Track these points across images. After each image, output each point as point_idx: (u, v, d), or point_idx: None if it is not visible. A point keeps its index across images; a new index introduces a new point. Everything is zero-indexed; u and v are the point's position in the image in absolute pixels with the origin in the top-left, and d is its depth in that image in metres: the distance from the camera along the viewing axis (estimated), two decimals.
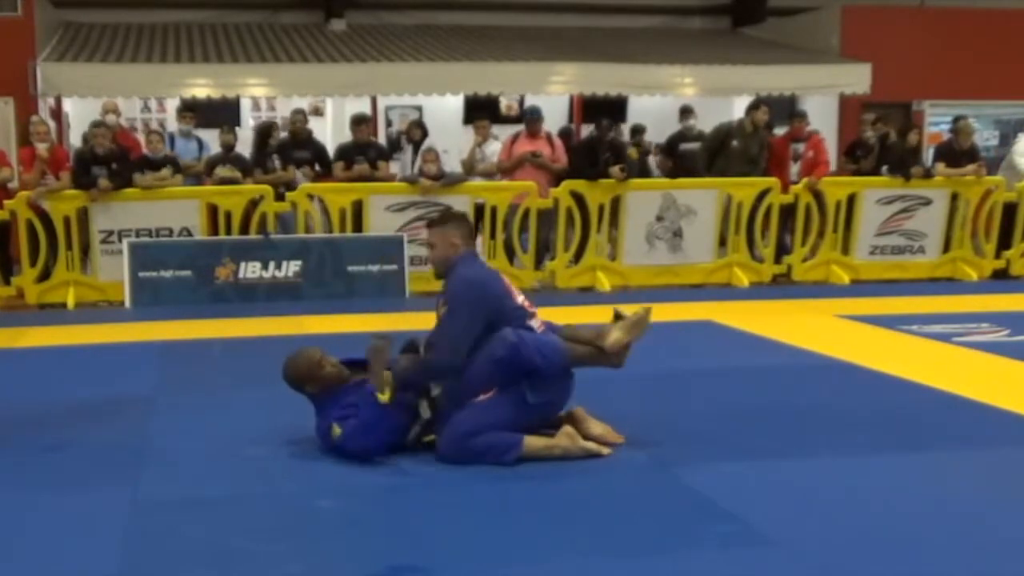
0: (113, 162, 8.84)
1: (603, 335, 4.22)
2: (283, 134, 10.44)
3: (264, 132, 10.14)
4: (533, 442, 4.11)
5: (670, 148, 10.89)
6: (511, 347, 4.05)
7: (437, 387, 4.24)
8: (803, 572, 3.07)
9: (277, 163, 9.51)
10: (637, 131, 12.00)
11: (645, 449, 4.24)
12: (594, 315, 8.03)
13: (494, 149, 10.02)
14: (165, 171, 9.00)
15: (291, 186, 9.34)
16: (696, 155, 10.21)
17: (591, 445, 4.17)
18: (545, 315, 4.50)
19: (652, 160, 11.77)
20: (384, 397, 4.06)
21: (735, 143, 9.81)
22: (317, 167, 9.65)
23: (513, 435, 4.09)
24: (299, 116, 9.93)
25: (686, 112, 10.80)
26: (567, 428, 4.21)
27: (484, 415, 4.08)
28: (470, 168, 9.77)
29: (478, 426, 4.06)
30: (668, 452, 4.22)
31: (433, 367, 4.18)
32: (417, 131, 10.04)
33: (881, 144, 10.39)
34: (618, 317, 4.30)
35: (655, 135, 12.91)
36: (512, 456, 4.05)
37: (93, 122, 9.52)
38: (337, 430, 4.10)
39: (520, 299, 4.34)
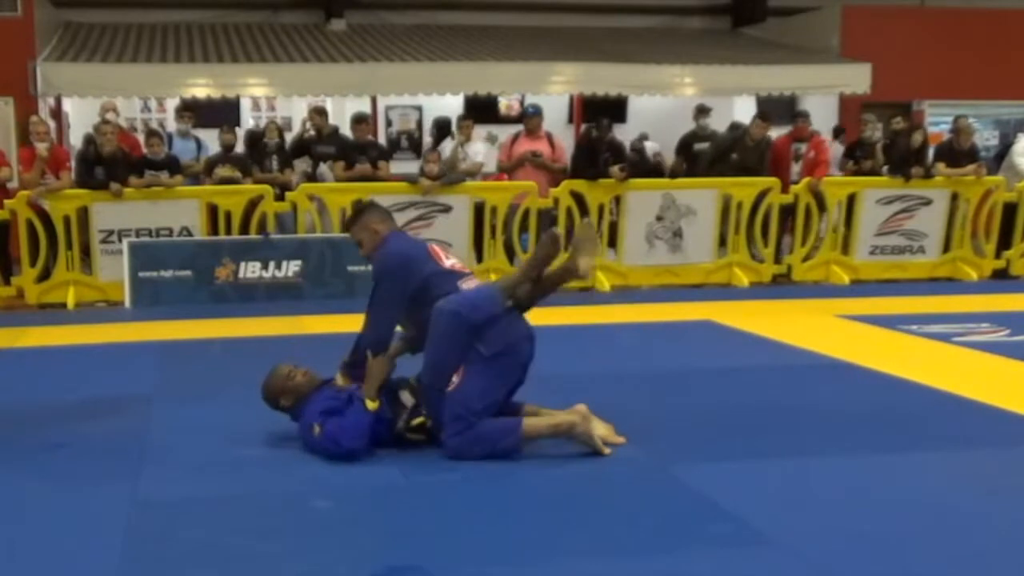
0: (115, 164, 8.84)
1: (572, 266, 4.21)
2: (309, 132, 10.42)
3: (255, 138, 10.15)
4: (534, 423, 4.11)
5: (683, 148, 10.86)
6: (452, 315, 4.05)
7: (414, 378, 4.27)
8: (802, 572, 3.07)
9: (275, 164, 9.52)
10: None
11: (644, 448, 4.24)
12: (594, 315, 8.11)
13: (476, 149, 10.03)
14: (163, 174, 9.00)
15: (317, 180, 9.39)
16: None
17: (598, 440, 4.13)
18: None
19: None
20: (373, 405, 4.13)
21: (734, 156, 9.83)
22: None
23: (510, 419, 4.09)
24: (316, 114, 9.93)
25: (702, 111, 10.70)
26: (581, 407, 4.18)
27: (463, 401, 4.04)
28: (451, 167, 9.76)
29: (464, 417, 4.02)
30: (667, 452, 4.22)
31: (363, 343, 4.26)
32: (435, 130, 10.04)
33: (892, 140, 10.37)
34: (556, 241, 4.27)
35: (656, 135, 12.93)
36: (513, 440, 4.04)
37: (102, 120, 9.53)
38: (317, 428, 4.13)
39: (450, 263, 4.35)
